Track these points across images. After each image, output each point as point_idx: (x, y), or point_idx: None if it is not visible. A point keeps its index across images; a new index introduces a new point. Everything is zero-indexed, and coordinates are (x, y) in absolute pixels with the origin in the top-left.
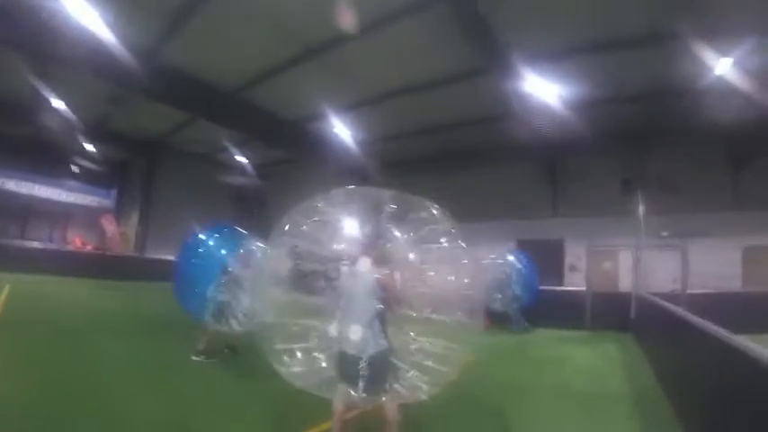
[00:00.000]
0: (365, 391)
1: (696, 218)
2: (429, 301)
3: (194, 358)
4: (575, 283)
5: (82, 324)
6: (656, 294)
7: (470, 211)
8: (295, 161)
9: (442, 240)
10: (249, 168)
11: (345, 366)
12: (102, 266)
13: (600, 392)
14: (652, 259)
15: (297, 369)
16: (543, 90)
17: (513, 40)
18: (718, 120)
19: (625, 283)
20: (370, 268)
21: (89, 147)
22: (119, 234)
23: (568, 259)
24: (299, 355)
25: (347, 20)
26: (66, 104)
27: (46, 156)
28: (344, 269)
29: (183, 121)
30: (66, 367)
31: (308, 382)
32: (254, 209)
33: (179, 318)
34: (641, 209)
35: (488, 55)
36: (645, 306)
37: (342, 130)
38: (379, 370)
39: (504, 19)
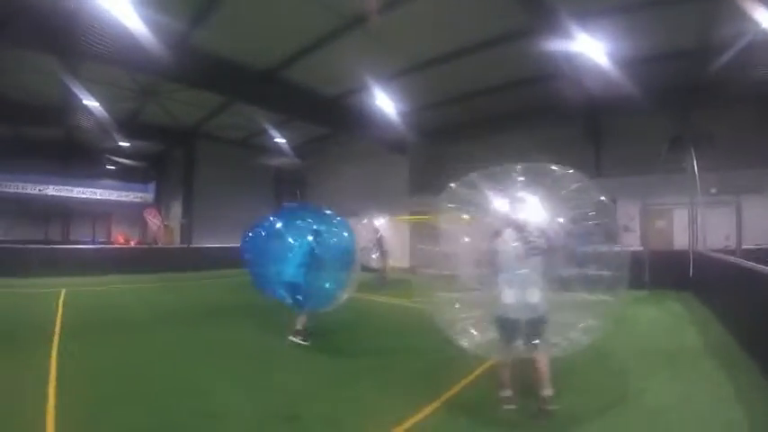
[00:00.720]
0: (528, 346)
1: (748, 174)
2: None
3: (291, 339)
4: (628, 244)
5: (149, 319)
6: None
7: None
8: (333, 137)
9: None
10: (288, 149)
11: (513, 327)
12: (151, 260)
13: (680, 348)
14: (704, 217)
15: (472, 338)
16: (588, 48)
17: None
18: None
19: (679, 242)
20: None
21: (124, 143)
22: (162, 227)
23: (621, 219)
24: (470, 325)
25: None
26: (98, 102)
27: (82, 156)
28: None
29: (217, 106)
30: (161, 365)
31: (479, 346)
32: (296, 189)
33: (245, 304)
34: (693, 166)
35: (532, 14)
36: (705, 263)
37: (382, 102)
38: (543, 327)
39: None
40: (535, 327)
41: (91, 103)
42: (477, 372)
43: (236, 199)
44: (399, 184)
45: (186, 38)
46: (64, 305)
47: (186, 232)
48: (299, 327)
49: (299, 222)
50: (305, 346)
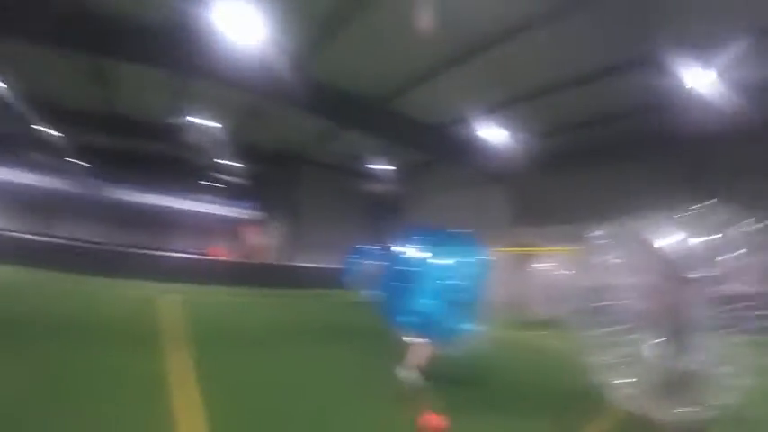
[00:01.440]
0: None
1: None
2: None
3: (403, 374)
4: None
5: (266, 335)
6: None
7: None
8: (435, 164)
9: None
10: (388, 175)
11: (674, 379)
12: (252, 274)
13: None
14: None
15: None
16: (698, 79)
17: (672, 29)
18: None
19: None
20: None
21: (230, 161)
22: (261, 244)
23: None
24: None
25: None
26: (209, 121)
27: (188, 171)
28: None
29: (323, 131)
30: (284, 386)
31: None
32: (392, 214)
33: (360, 325)
34: None
35: (644, 44)
36: None
37: (486, 131)
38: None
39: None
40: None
41: (202, 121)
42: None
43: (334, 221)
44: (500, 214)
45: (303, 64)
46: (179, 309)
47: (285, 250)
48: (417, 361)
49: (434, 247)
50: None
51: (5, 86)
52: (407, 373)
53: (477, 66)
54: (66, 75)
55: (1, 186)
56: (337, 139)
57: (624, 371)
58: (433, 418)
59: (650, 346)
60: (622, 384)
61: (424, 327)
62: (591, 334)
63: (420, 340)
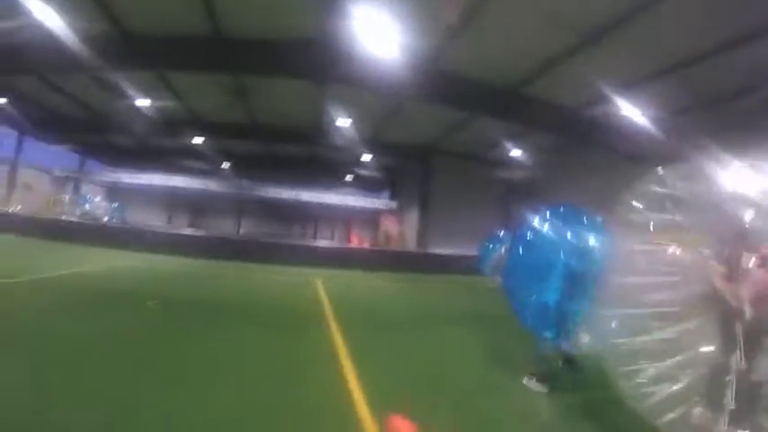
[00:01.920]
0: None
1: None
2: None
3: (527, 382)
4: None
5: (404, 316)
6: None
7: None
8: (569, 148)
9: None
10: (521, 161)
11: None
12: (391, 261)
13: None
14: None
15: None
16: None
17: None
18: None
19: None
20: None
21: (366, 156)
22: (397, 232)
23: None
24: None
25: None
26: (344, 121)
27: (326, 168)
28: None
29: (455, 123)
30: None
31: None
32: (526, 200)
33: (491, 311)
34: None
35: None
36: None
37: (625, 110)
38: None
39: None
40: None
41: (338, 122)
42: None
43: (468, 209)
44: None
45: (433, 58)
46: (325, 293)
47: (421, 238)
48: (537, 367)
49: (562, 230)
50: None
51: (164, 106)
52: (527, 383)
53: (610, 44)
54: (213, 93)
55: (163, 190)
56: (469, 129)
57: (674, 379)
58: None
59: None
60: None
61: (543, 321)
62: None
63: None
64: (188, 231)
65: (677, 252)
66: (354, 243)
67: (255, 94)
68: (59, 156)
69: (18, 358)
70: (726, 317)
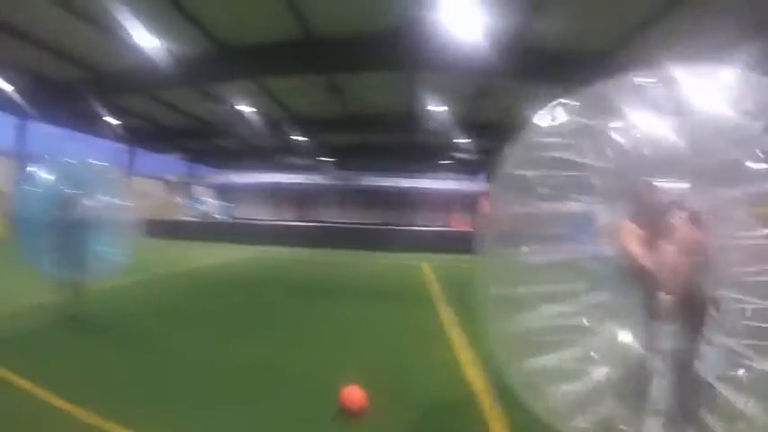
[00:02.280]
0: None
1: None
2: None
3: None
4: None
5: None
6: None
7: None
8: None
9: None
10: None
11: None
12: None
13: None
14: None
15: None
16: None
17: None
18: None
19: None
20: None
21: (460, 140)
22: None
23: None
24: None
25: None
26: (437, 106)
27: (422, 154)
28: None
29: (546, 98)
30: None
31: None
32: None
33: None
34: None
35: None
36: None
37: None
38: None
39: None
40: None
41: (430, 107)
42: None
43: None
44: None
45: (520, 35)
46: (434, 276)
47: None
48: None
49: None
50: None
51: (264, 109)
52: None
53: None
54: (309, 92)
55: (269, 187)
56: None
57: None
58: (356, 393)
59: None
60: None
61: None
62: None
63: None
64: (296, 223)
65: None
66: (455, 227)
67: (349, 88)
68: (171, 163)
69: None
70: (647, 291)
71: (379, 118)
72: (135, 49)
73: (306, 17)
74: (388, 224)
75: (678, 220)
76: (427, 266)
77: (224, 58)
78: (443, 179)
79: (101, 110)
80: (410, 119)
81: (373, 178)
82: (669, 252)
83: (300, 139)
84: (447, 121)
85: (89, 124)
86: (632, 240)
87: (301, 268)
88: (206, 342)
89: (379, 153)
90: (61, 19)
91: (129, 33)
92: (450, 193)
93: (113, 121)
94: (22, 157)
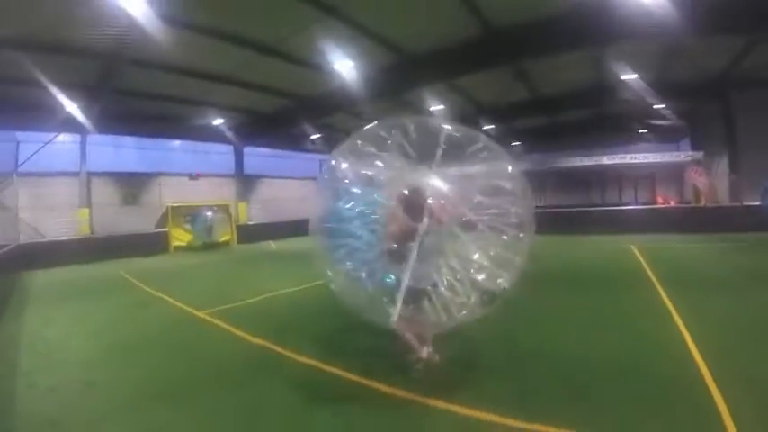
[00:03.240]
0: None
1: None
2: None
3: None
4: None
5: (730, 277)
6: None
7: None
8: None
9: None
10: None
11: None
12: (702, 220)
13: None
14: None
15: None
16: None
17: None
18: None
19: None
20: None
21: (654, 105)
22: (706, 186)
23: None
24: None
25: None
26: (628, 74)
27: (614, 127)
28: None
29: (744, 48)
30: None
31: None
32: None
33: None
34: None
35: None
36: None
37: None
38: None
39: None
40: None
41: (623, 77)
42: None
43: None
44: None
45: None
46: (644, 258)
47: (735, 189)
48: None
49: None
50: None
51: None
52: None
53: None
54: (495, 83)
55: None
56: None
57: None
58: None
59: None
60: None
61: None
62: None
63: None
64: None
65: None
66: (661, 203)
67: (534, 71)
68: None
69: None
70: (405, 245)
71: (568, 95)
72: (334, 75)
73: (482, 13)
74: (589, 205)
75: (431, 203)
76: (637, 249)
77: (412, 67)
78: (645, 152)
79: (306, 130)
80: (601, 91)
81: (569, 159)
82: (425, 219)
83: (492, 127)
84: (639, 87)
85: (295, 143)
86: (400, 219)
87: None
88: None
89: (572, 131)
90: (273, 65)
91: (328, 62)
92: (652, 165)
93: (317, 138)
94: (240, 177)
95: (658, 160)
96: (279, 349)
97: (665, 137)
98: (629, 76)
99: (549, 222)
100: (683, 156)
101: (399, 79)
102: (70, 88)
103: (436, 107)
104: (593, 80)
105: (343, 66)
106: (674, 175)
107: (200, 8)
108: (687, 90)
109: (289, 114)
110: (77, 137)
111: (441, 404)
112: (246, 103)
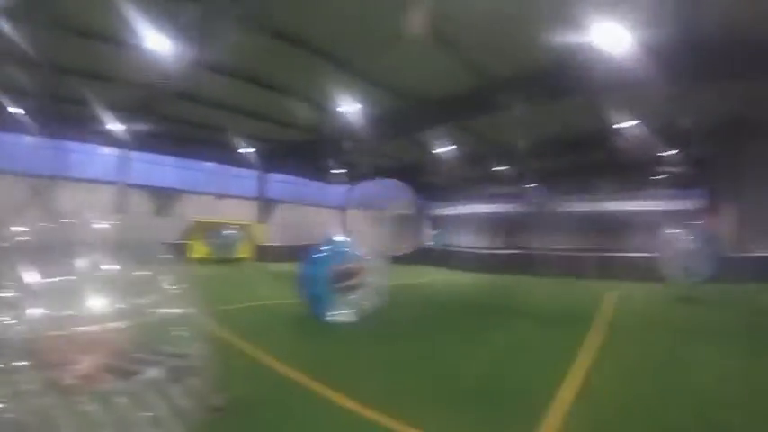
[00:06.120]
0: None
1: None
2: None
3: None
4: None
5: (689, 327)
6: None
7: None
8: None
9: None
10: None
11: None
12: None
13: None
14: None
15: None
16: None
17: None
18: None
19: None
20: None
21: (665, 152)
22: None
23: None
24: None
25: None
26: (625, 121)
27: (624, 171)
28: None
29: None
30: None
31: None
32: None
33: None
34: None
35: None
36: None
37: None
38: None
39: None
40: None
41: (625, 124)
42: None
43: None
44: None
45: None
46: (614, 305)
47: (742, 238)
48: None
49: None
50: None
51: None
52: None
53: None
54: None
55: (477, 216)
56: None
57: None
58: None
59: None
60: None
61: None
62: None
63: None
64: (496, 251)
65: None
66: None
67: (539, 114)
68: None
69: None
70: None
71: (575, 139)
72: (345, 116)
73: (481, 67)
74: (593, 249)
75: None
76: (615, 294)
77: (419, 112)
78: (654, 199)
79: (326, 163)
80: (607, 137)
81: (578, 203)
82: None
83: (502, 168)
84: (644, 134)
85: (316, 174)
86: None
87: (493, 291)
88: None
89: (581, 175)
90: (294, 104)
91: (339, 105)
92: (661, 213)
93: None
94: (263, 200)
95: (668, 208)
96: None
97: (678, 184)
98: (631, 122)
99: (555, 264)
100: (688, 204)
101: (406, 122)
102: (119, 111)
103: (447, 147)
104: (597, 126)
105: (353, 108)
106: (686, 222)
107: (236, 55)
108: (696, 138)
109: (309, 147)
110: (120, 151)
111: None
112: (272, 135)
